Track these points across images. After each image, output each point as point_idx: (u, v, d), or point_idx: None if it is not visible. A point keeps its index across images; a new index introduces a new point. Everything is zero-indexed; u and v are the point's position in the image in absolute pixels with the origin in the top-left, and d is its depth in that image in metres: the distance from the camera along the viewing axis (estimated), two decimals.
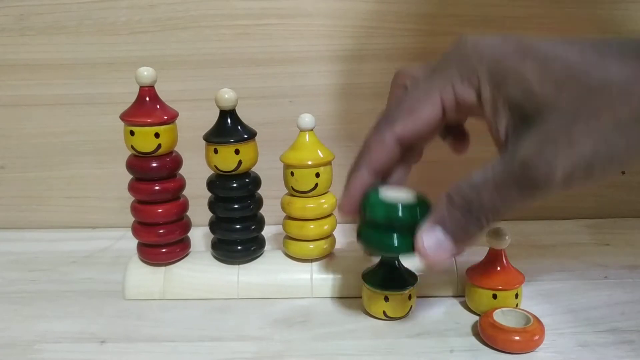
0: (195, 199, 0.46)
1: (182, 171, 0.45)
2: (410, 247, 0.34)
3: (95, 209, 0.59)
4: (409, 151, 0.37)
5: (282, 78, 0.56)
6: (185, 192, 0.45)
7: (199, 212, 0.46)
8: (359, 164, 0.37)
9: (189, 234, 0.46)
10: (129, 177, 0.44)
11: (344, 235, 0.50)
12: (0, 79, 0.55)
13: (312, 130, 0.43)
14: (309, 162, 0.43)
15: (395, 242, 0.35)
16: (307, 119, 0.43)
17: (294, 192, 0.44)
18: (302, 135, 0.43)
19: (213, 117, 0.43)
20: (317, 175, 0.43)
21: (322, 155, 0.43)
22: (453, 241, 0.33)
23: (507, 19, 0.54)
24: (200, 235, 0.52)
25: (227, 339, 0.39)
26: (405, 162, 0.39)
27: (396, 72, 0.39)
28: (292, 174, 0.43)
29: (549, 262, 0.50)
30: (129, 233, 0.46)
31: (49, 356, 0.37)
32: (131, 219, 0.45)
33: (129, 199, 0.45)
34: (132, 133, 0.42)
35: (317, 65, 0.55)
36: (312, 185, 0.43)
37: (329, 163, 0.44)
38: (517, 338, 0.37)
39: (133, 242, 0.46)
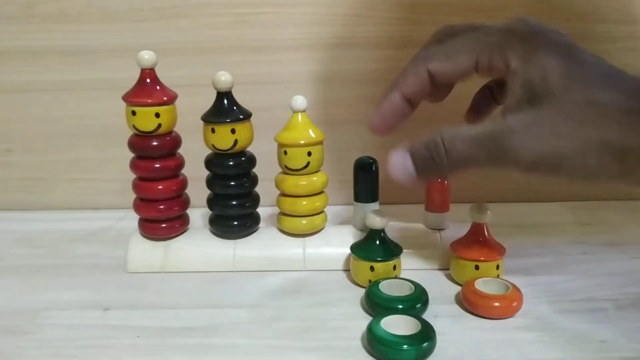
0: (193, 181, 0.48)
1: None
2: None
3: (97, 190, 0.61)
4: (436, 89, 0.40)
5: (276, 64, 0.58)
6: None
7: (197, 194, 0.49)
8: (394, 87, 0.40)
9: (188, 212, 0.49)
10: (129, 159, 0.46)
11: (335, 212, 0.52)
12: (7, 65, 0.58)
13: (304, 111, 0.45)
14: (301, 142, 0.45)
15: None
16: (299, 101, 0.45)
17: (287, 170, 0.46)
18: (295, 116, 0.45)
19: (210, 102, 0.45)
20: (309, 154, 0.45)
21: (313, 135, 0.45)
22: (415, 170, 0.37)
23: (496, 9, 0.57)
24: (198, 215, 0.54)
25: (224, 306, 0.41)
26: (433, 97, 0.42)
27: (439, 28, 0.42)
28: (285, 152, 0.45)
29: (532, 240, 0.52)
30: (130, 214, 0.48)
31: (56, 321, 0.40)
32: (132, 200, 0.47)
33: (130, 181, 0.47)
34: (133, 113, 0.44)
35: (310, 52, 0.58)
36: (304, 164, 0.45)
37: (320, 143, 0.46)
38: (496, 304, 0.39)
39: (134, 222, 0.48)
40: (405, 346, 0.34)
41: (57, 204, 0.61)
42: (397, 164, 0.38)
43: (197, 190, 0.48)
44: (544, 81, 0.34)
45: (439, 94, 0.42)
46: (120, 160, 0.55)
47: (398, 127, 0.41)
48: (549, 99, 0.34)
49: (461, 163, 0.36)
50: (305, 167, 0.45)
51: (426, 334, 0.35)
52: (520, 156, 0.34)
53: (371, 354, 0.35)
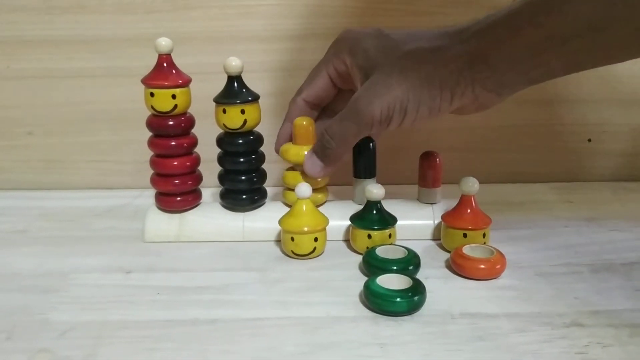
0: (204, 162, 0.52)
1: None
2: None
3: (113, 171, 0.65)
4: (320, 105, 0.53)
5: (282, 53, 0.62)
6: None
7: (208, 175, 0.53)
8: (285, 121, 0.53)
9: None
10: (144, 143, 0.50)
11: (334, 190, 0.56)
12: (28, 54, 0.61)
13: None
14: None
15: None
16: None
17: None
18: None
19: (219, 88, 0.49)
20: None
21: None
22: (321, 161, 0.48)
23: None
24: (208, 194, 0.58)
25: (235, 269, 0.46)
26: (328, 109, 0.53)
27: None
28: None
29: (517, 216, 0.56)
30: (145, 192, 0.52)
31: (84, 282, 0.44)
32: (146, 180, 0.51)
33: (144, 162, 0.51)
34: (152, 95, 0.48)
35: (314, 41, 0.61)
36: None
37: None
38: (481, 266, 0.43)
39: (149, 200, 0.53)
40: (398, 299, 0.38)
41: (75, 184, 0.64)
42: (308, 163, 0.49)
43: (207, 172, 0.53)
44: (368, 59, 0.46)
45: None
46: (135, 143, 0.60)
47: None
48: (376, 67, 0.45)
49: (343, 138, 0.47)
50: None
51: (417, 289, 0.39)
52: (372, 112, 0.44)
53: (368, 307, 0.39)
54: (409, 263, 0.43)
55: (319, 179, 0.50)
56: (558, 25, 0.39)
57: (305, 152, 0.49)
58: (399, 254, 0.45)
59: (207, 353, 0.35)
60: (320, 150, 0.48)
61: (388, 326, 0.37)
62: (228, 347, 0.35)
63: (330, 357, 0.34)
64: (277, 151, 0.52)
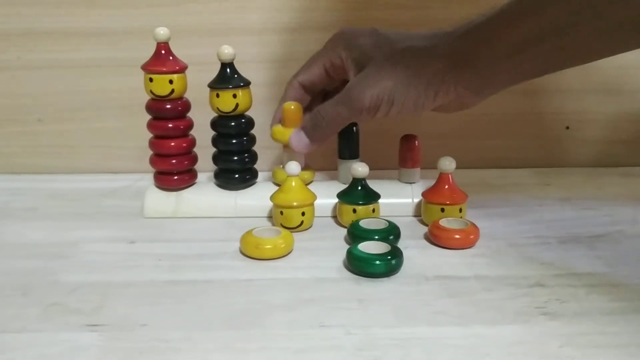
0: (199, 149, 0.56)
1: None
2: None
3: (116, 156, 0.68)
4: (313, 90, 0.57)
5: (275, 45, 0.66)
6: None
7: (202, 160, 0.57)
8: (281, 100, 0.56)
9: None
10: (145, 129, 0.54)
11: (323, 171, 0.60)
12: (39, 45, 0.65)
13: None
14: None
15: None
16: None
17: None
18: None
19: None
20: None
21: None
22: (308, 137, 0.53)
23: None
24: (203, 178, 0.62)
25: (229, 240, 0.49)
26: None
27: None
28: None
29: (495, 196, 0.60)
30: (147, 176, 0.56)
31: (91, 249, 0.48)
32: (148, 165, 0.55)
33: (146, 148, 0.55)
34: (151, 80, 0.52)
35: (306, 34, 0.65)
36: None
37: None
38: (456, 236, 0.47)
39: (150, 183, 0.56)
40: (377, 261, 0.42)
41: (82, 168, 0.68)
42: (294, 138, 0.53)
43: (202, 158, 0.57)
44: (363, 54, 0.50)
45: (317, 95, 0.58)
46: (137, 129, 0.63)
47: None
48: (370, 61, 0.49)
49: (334, 120, 0.52)
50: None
51: (395, 254, 0.43)
52: (363, 100, 0.49)
53: (350, 271, 0.43)
54: (390, 233, 0.47)
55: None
56: (532, 28, 0.43)
57: (293, 131, 0.54)
58: (381, 225, 0.48)
59: (204, 306, 0.39)
60: (311, 127, 0.53)
61: (367, 286, 0.41)
62: (223, 300, 0.39)
63: (314, 308, 0.38)
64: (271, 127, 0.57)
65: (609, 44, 0.44)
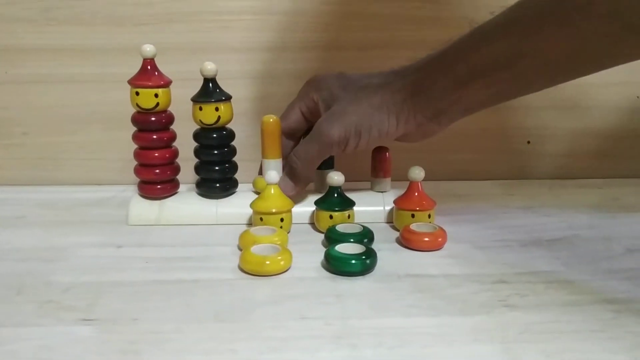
0: (182, 161, 0.59)
1: None
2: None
3: (101, 168, 0.70)
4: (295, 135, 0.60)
5: (256, 63, 0.69)
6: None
7: (185, 172, 0.59)
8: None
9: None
10: (130, 142, 0.57)
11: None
12: (26, 61, 0.67)
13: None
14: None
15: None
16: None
17: None
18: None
19: None
20: None
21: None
22: (291, 182, 0.56)
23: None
24: (185, 189, 0.64)
25: (212, 244, 0.52)
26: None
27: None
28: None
29: (464, 204, 0.64)
30: (130, 187, 0.58)
31: (80, 254, 0.50)
32: (131, 177, 0.58)
33: (129, 160, 0.58)
34: (137, 93, 0.55)
35: (285, 53, 0.69)
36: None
37: None
38: (426, 239, 0.51)
39: (134, 193, 0.59)
40: (353, 261, 0.45)
41: (66, 180, 0.70)
42: (281, 184, 0.55)
43: (185, 170, 0.59)
44: (331, 94, 0.55)
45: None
46: (121, 142, 0.66)
47: None
48: (337, 100, 0.54)
49: (307, 158, 0.55)
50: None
51: (369, 254, 0.46)
52: (332, 134, 0.53)
53: (328, 270, 0.46)
54: (365, 236, 0.51)
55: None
56: (479, 60, 0.48)
57: (280, 177, 0.56)
58: (357, 229, 0.52)
59: (193, 302, 0.41)
60: (289, 171, 0.56)
61: (344, 283, 0.44)
62: (210, 297, 0.42)
63: (295, 303, 0.41)
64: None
65: (550, 76, 0.49)
